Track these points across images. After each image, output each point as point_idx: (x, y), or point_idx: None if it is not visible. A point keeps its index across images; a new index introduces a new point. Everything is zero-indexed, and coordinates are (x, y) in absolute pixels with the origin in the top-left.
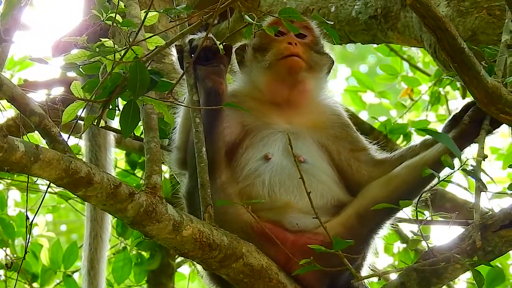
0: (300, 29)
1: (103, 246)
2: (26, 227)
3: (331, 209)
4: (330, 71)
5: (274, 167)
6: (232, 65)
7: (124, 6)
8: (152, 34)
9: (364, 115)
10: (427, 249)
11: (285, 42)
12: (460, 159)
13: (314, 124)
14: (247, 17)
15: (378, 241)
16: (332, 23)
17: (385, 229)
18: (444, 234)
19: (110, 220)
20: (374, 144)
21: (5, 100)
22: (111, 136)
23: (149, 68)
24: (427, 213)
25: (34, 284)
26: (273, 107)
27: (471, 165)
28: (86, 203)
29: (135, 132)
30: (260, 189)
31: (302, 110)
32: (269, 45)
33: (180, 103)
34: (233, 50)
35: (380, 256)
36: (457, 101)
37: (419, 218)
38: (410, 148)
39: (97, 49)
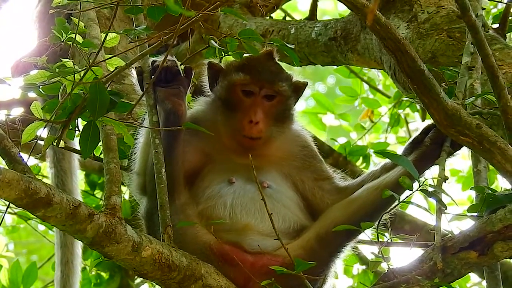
0: (270, 91)
1: (75, 272)
2: None
3: (293, 234)
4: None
5: (237, 190)
6: (191, 87)
7: (84, 27)
8: (112, 55)
9: (323, 136)
10: (386, 271)
11: (247, 118)
12: (418, 181)
13: (278, 158)
14: (213, 42)
15: (338, 262)
16: (293, 46)
17: (346, 252)
18: (403, 256)
19: (80, 246)
20: (337, 173)
21: None
22: (76, 160)
23: (108, 89)
24: (386, 235)
25: None
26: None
27: (432, 187)
28: (55, 229)
29: (94, 153)
30: (221, 210)
31: (265, 151)
32: (235, 105)
33: (139, 124)
34: (207, 65)
35: (340, 277)
36: (414, 123)
37: (380, 240)
38: (371, 173)
39: (57, 70)
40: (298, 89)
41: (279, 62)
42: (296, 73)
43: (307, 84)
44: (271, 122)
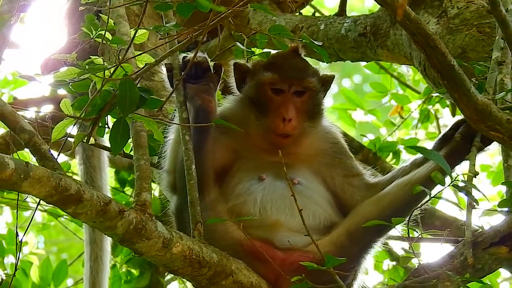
0: (299, 88)
1: (104, 268)
2: (16, 244)
3: (323, 230)
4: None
5: (267, 187)
6: (222, 83)
7: (114, 23)
8: (142, 52)
9: (353, 133)
10: (417, 266)
11: (280, 116)
12: (450, 175)
13: (308, 155)
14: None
15: (368, 258)
16: (321, 43)
17: (376, 248)
18: (432, 252)
19: (109, 242)
20: (367, 169)
21: None
22: (105, 157)
23: (138, 85)
24: (416, 230)
25: None
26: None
27: (463, 182)
28: (84, 226)
29: (124, 150)
30: (251, 207)
31: (295, 148)
32: (265, 104)
33: (169, 121)
34: (233, 66)
35: (370, 273)
36: (444, 119)
37: (410, 235)
38: (401, 168)
39: (87, 67)
40: (326, 82)
41: (305, 57)
42: (323, 69)
43: (334, 76)
44: (303, 118)
